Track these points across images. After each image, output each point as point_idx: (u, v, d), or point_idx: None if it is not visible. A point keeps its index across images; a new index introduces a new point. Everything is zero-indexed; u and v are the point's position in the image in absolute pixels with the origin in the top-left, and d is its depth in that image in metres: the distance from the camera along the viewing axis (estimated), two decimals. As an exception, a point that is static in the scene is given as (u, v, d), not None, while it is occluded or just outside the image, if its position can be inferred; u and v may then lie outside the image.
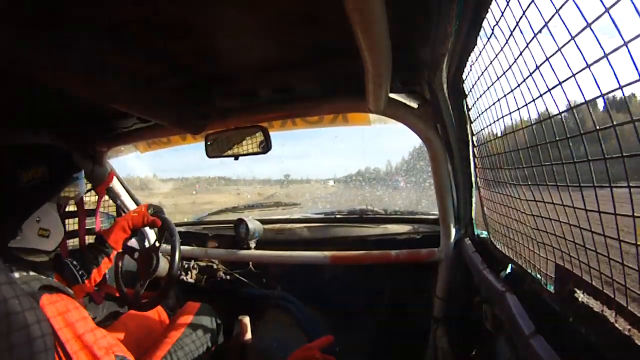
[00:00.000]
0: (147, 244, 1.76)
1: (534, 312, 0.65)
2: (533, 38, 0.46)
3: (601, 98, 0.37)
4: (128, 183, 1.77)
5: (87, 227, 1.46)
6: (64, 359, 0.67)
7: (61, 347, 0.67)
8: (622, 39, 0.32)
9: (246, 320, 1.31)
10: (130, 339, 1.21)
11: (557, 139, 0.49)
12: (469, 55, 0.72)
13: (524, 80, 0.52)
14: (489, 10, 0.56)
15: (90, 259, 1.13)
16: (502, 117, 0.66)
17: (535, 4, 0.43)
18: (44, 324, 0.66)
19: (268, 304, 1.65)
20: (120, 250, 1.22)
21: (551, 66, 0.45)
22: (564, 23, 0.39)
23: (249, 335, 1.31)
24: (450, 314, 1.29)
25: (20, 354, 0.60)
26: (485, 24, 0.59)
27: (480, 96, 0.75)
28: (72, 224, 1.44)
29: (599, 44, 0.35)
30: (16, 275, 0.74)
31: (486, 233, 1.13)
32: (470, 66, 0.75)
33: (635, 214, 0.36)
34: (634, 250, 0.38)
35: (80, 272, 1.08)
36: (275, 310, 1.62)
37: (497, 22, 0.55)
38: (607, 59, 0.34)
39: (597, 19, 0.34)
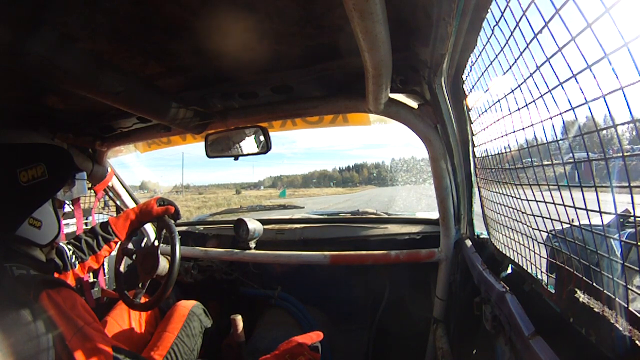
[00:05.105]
0: (143, 245, 1.77)
1: (534, 312, 0.65)
2: (533, 38, 0.46)
3: (602, 98, 0.37)
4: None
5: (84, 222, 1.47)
6: (63, 352, 0.67)
7: (61, 341, 0.67)
8: (622, 39, 0.32)
9: (239, 318, 1.31)
10: (125, 337, 1.21)
11: (558, 139, 0.49)
12: (469, 55, 0.72)
13: (525, 81, 0.52)
14: (489, 10, 0.56)
15: (89, 244, 1.13)
16: (503, 117, 0.65)
17: (535, 4, 0.43)
18: (46, 320, 0.67)
19: (268, 304, 1.65)
20: (124, 239, 1.22)
21: (551, 66, 0.44)
22: (564, 23, 0.39)
23: (242, 334, 1.32)
24: (450, 314, 1.29)
25: (25, 351, 0.61)
26: (485, 24, 0.59)
27: (481, 97, 0.75)
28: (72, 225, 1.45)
29: (600, 44, 0.35)
30: (17, 272, 0.74)
31: (486, 233, 1.13)
32: (471, 66, 0.75)
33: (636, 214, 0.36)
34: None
35: (72, 258, 1.08)
36: (275, 310, 1.62)
37: (497, 22, 0.55)
38: (608, 59, 0.34)
39: (597, 19, 0.34)
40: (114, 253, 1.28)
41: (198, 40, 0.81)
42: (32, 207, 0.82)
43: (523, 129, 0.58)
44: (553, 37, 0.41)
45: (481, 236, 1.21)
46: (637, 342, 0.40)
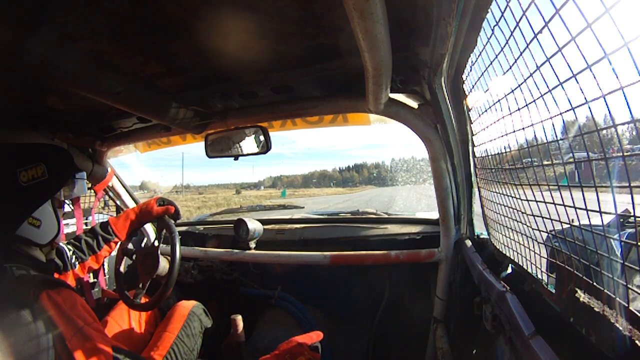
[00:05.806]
0: (143, 245, 1.77)
1: (534, 312, 0.65)
2: (533, 38, 0.46)
3: (602, 98, 0.37)
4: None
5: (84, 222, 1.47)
6: (63, 352, 0.67)
7: (61, 341, 0.67)
8: (623, 39, 0.32)
9: (239, 318, 1.31)
10: (125, 337, 1.22)
11: (558, 139, 0.49)
12: (469, 56, 0.72)
13: (525, 81, 0.52)
14: (489, 10, 0.56)
15: (89, 244, 1.13)
16: (503, 117, 0.65)
17: (535, 4, 0.43)
18: (46, 320, 0.67)
19: (268, 304, 1.65)
20: (124, 239, 1.23)
21: (551, 66, 0.44)
22: (564, 23, 0.39)
23: (242, 334, 1.32)
24: (450, 314, 1.29)
25: (25, 351, 0.61)
26: (485, 24, 0.59)
27: (481, 97, 0.75)
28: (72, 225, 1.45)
29: (600, 44, 0.35)
30: (17, 272, 0.74)
31: (486, 233, 1.13)
32: (471, 67, 0.75)
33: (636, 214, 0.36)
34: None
35: (72, 258, 1.08)
36: (275, 310, 1.63)
37: (497, 22, 0.55)
38: (608, 59, 0.34)
39: (597, 19, 0.34)
40: (114, 253, 1.28)
41: (198, 40, 0.81)
42: (32, 207, 0.82)
43: (523, 129, 0.58)
44: (553, 37, 0.42)
45: (481, 236, 1.21)
46: (637, 342, 0.40)
